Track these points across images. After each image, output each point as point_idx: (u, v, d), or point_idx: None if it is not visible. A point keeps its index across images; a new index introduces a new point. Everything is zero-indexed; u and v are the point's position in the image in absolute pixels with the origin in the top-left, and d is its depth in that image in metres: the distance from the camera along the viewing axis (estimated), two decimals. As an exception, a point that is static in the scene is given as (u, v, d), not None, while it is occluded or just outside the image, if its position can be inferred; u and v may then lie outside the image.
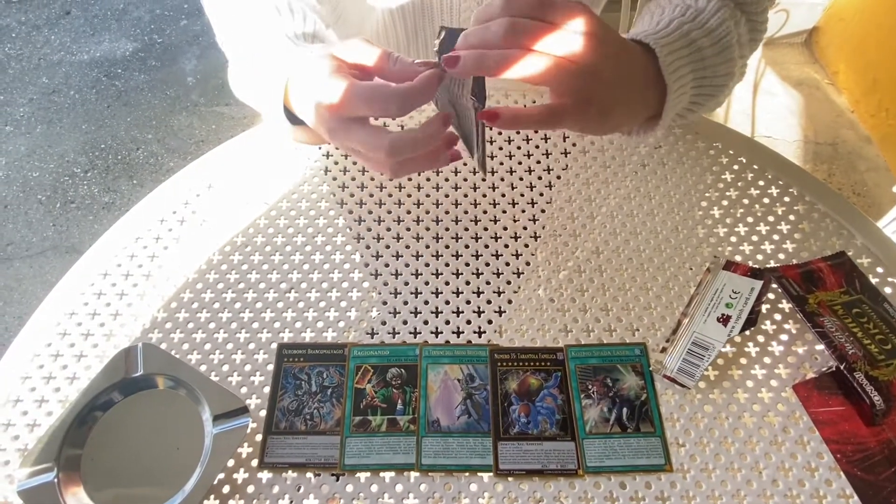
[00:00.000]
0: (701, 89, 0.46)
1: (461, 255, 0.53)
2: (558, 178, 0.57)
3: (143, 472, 0.41)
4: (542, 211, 0.55)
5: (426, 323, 0.49)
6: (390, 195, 0.57)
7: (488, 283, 0.51)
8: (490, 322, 0.49)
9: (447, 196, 0.56)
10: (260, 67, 0.46)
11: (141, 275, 0.52)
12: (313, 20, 0.48)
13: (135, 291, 0.51)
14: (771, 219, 0.54)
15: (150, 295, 0.51)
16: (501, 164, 0.58)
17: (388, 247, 0.53)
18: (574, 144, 0.60)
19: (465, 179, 0.57)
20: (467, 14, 0.61)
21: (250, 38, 0.47)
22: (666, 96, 0.43)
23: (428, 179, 0.57)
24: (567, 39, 0.37)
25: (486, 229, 0.54)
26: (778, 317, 0.49)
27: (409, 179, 0.57)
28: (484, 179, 0.57)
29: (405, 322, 0.49)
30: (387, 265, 0.52)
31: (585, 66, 0.37)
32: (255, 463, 0.43)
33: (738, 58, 0.48)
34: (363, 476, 0.43)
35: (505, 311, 0.50)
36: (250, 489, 0.42)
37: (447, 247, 0.53)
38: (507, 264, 0.52)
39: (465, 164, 0.58)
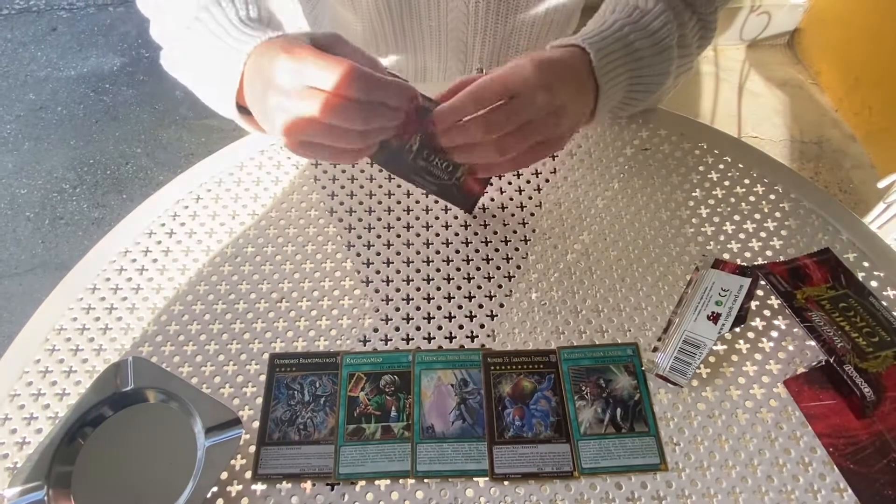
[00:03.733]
0: (636, 87, 0.51)
1: (452, 260, 0.53)
2: (546, 181, 0.58)
3: (134, 488, 0.41)
4: (532, 214, 0.56)
5: (418, 329, 0.49)
6: (380, 202, 0.57)
7: (479, 287, 0.51)
8: (482, 326, 0.49)
9: (436, 202, 0.56)
10: (208, 47, 0.47)
11: (130, 288, 0.52)
12: (267, 8, 0.50)
13: (124, 305, 0.51)
14: (757, 216, 0.54)
15: (139, 308, 0.51)
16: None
17: (378, 254, 0.53)
18: (561, 148, 0.60)
19: (454, 185, 0.57)
20: (455, 14, 0.61)
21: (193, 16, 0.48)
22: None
23: (417, 186, 0.57)
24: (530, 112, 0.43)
25: (476, 234, 0.54)
26: (767, 313, 0.49)
27: (399, 186, 0.57)
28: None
29: (397, 329, 0.49)
30: (378, 272, 0.52)
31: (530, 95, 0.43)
32: (248, 475, 0.43)
33: (679, 57, 0.52)
34: (358, 485, 0.42)
35: (497, 315, 0.50)
36: (244, 502, 0.42)
37: (437, 252, 0.53)
38: (498, 268, 0.52)
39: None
